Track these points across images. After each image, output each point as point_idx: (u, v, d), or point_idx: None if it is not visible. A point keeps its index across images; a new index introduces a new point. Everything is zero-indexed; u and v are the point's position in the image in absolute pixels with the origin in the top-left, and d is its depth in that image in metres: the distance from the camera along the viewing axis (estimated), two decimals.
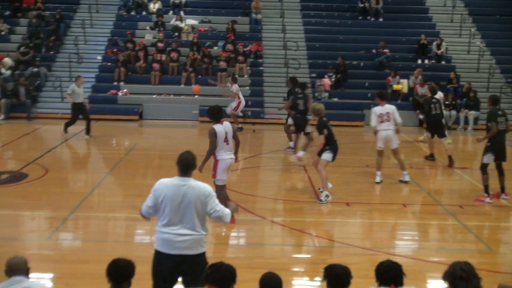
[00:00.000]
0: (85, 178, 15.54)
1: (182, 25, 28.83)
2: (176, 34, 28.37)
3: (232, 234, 11.00)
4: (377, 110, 14.26)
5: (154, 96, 25.03)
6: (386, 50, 27.19)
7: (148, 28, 28.88)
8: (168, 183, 6.69)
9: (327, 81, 25.51)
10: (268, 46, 28.17)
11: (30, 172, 14.88)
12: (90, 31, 28.65)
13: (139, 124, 23.62)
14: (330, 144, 12.46)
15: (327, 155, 12.48)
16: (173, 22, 28.83)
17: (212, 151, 10.48)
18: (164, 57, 26.44)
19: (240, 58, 26.26)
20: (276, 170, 16.33)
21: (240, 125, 21.92)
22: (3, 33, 27.98)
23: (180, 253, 6.51)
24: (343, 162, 15.70)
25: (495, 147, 12.68)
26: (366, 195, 13.52)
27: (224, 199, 10.08)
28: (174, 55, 26.20)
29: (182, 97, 25.06)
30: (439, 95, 18.42)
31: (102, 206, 12.46)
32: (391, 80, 25.43)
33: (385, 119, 14.14)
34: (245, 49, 26.83)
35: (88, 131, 19.97)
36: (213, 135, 10.38)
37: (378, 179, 14.50)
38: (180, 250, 6.51)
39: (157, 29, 28.45)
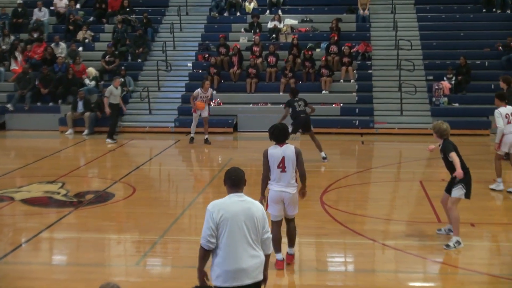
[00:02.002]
0: (175, 197, 15.83)
1: (280, 25, 29.06)
2: (274, 36, 28.61)
3: (339, 259, 10.98)
4: (502, 110, 14.38)
5: (250, 105, 25.30)
6: None
7: (242, 30, 29.34)
8: (223, 202, 6.68)
9: (446, 84, 25.11)
10: (377, 46, 28.10)
11: (117, 191, 15.28)
12: (180, 35, 29.38)
13: (234, 137, 23.88)
14: (464, 174, 10.92)
15: (459, 192, 11.05)
16: (271, 22, 29.11)
17: (264, 177, 9.75)
18: (260, 61, 26.75)
19: (346, 60, 26.26)
20: (388, 187, 16.31)
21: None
22: (87, 41, 29.08)
23: (254, 281, 6.59)
24: None
25: None
26: (493, 214, 13.19)
27: (275, 240, 9.32)
28: (271, 59, 26.47)
29: (281, 106, 25.04)
30: None
31: (194, 229, 12.52)
32: None
33: (511, 120, 14.26)
34: (351, 50, 26.80)
35: (111, 135, 22.15)
36: (264, 157, 9.68)
37: (500, 186, 14.57)
38: (254, 278, 6.58)
39: (252, 31, 28.87)
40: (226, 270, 6.46)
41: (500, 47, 26.92)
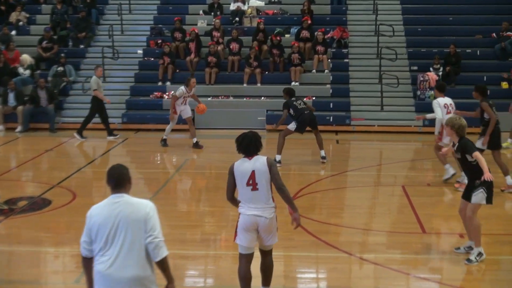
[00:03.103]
0: None
1: (244, 7, 29.09)
2: (237, 19, 28.64)
3: (310, 275, 10.95)
4: (441, 100, 16.03)
5: (209, 98, 25.15)
6: (511, 33, 26.79)
7: (201, 12, 29.28)
8: (99, 205, 6.84)
9: (432, 76, 25.19)
10: (355, 31, 28.25)
11: (54, 197, 15.07)
12: (129, 18, 29.26)
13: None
14: (481, 178, 10.79)
15: (480, 197, 10.92)
16: (233, 4, 29.08)
17: (228, 198, 9.03)
18: (222, 49, 26.75)
19: (319, 48, 26.31)
20: (367, 192, 16.33)
21: None
22: (21, 23, 28.74)
23: None
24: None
25: None
26: (484, 223, 13.21)
27: (243, 280, 9.02)
28: (234, 46, 26.57)
29: (244, 99, 25.33)
30: None
31: None
32: None
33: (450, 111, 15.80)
34: (325, 36, 26.84)
35: (111, 131, 22.39)
36: (229, 173, 8.90)
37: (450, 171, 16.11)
38: None
39: (212, 13, 28.80)
40: (104, 279, 6.57)
41: (494, 34, 27.19)
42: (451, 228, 12.97)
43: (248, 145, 8.76)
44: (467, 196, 11.07)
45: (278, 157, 18.15)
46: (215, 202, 14.78)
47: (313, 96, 24.90)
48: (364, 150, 21.91)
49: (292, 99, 18.62)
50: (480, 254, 11.03)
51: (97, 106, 22.14)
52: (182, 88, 20.69)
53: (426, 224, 12.94)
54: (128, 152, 21.38)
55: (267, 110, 24.63)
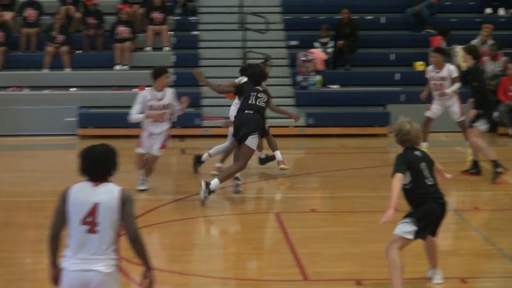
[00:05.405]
0: None
1: None
2: None
3: None
4: None
5: None
6: None
7: None
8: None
9: (319, 54, 25.35)
10: None
11: None
12: None
13: None
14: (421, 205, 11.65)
15: (402, 227, 11.53)
16: None
17: (52, 237, 8.60)
18: (12, 17, 26.60)
19: (156, 15, 26.28)
20: (227, 222, 16.57)
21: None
22: None
23: None
24: (354, 201, 17.07)
25: None
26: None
27: None
28: (31, 13, 26.50)
29: (45, 92, 25.12)
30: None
31: None
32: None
33: None
34: None
35: None
36: (60, 200, 8.49)
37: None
38: None
39: None
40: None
41: None
42: (347, 272, 12.96)
43: (94, 164, 8.41)
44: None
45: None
46: (2, 244, 14.21)
47: (147, 86, 24.45)
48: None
49: (256, 87, 17.89)
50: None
51: None
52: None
53: (309, 268, 12.81)
54: None
55: (80, 107, 24.58)
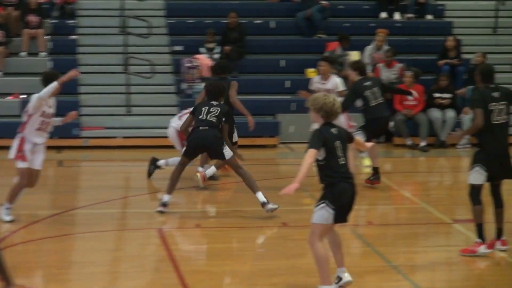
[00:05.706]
0: None
1: None
2: None
3: None
4: None
5: None
6: None
7: None
8: None
9: (205, 60, 25.36)
10: None
11: None
12: None
13: None
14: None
15: (320, 214, 11.76)
16: None
17: None
18: None
19: (32, 18, 26.19)
20: (107, 239, 16.25)
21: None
22: None
23: None
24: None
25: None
26: None
27: None
28: None
29: None
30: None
31: None
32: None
33: None
34: (41, 1, 27.26)
35: None
36: None
37: None
38: None
39: None
40: None
41: None
42: None
43: None
44: None
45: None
46: None
47: (21, 93, 24.66)
48: (102, 176, 22.03)
49: (212, 102, 17.98)
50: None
51: None
52: None
53: (196, 285, 12.81)
54: None
55: None
